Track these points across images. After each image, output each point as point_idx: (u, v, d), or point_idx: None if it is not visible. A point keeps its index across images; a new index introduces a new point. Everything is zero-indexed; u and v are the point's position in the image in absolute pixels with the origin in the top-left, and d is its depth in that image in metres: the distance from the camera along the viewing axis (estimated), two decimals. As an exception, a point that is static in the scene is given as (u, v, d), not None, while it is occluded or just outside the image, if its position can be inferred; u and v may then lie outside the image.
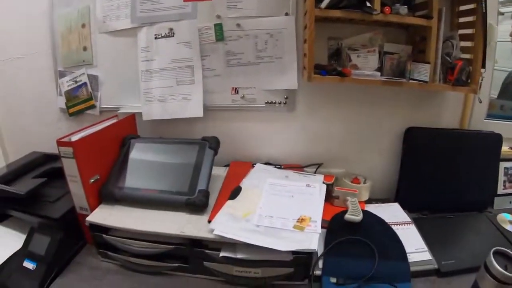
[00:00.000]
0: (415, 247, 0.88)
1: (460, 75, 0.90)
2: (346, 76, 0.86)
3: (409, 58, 0.95)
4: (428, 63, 0.88)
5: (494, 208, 1.21)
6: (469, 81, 0.93)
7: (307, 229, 0.77)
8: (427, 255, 0.87)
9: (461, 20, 0.98)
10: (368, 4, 0.85)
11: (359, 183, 0.96)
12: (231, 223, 0.77)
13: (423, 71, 0.88)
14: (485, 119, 1.20)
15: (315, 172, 0.99)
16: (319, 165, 1.01)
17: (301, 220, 0.79)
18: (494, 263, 0.69)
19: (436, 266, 0.85)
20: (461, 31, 0.97)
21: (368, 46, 0.93)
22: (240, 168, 0.98)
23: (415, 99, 1.05)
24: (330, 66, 0.88)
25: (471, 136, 1.14)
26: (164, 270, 0.81)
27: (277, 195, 0.87)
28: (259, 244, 0.71)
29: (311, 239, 0.74)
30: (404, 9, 0.87)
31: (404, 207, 1.02)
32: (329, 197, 0.92)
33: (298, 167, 1.00)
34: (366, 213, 0.88)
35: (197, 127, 1.02)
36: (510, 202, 1.26)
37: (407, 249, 0.86)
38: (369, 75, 0.86)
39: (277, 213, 0.81)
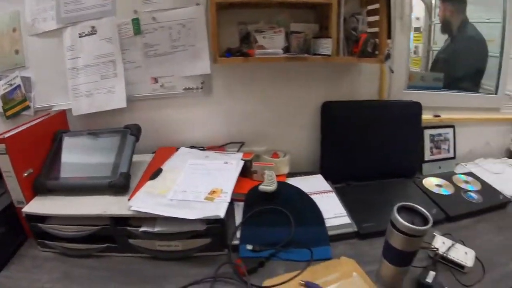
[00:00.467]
0: (335, 213, 1.01)
1: (365, 47, 1.05)
2: (250, 56, 1.01)
3: (316, 35, 1.10)
4: (330, 37, 1.03)
5: (423, 174, 1.35)
6: (376, 52, 1.08)
7: (217, 199, 0.91)
8: (346, 219, 0.99)
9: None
10: (267, -13, 1.00)
11: (278, 157, 1.11)
12: (148, 199, 0.91)
13: (325, 46, 1.03)
14: (404, 89, 1.35)
15: (237, 151, 1.15)
16: (241, 144, 1.16)
17: (212, 192, 0.94)
18: (398, 218, 0.77)
19: (355, 229, 0.98)
20: (370, 7, 1.13)
21: (276, 28, 1.08)
22: (165, 153, 1.12)
23: (332, 75, 1.20)
24: (235, 49, 1.04)
25: (390, 105, 1.29)
26: (96, 252, 0.93)
27: (195, 173, 1.02)
28: (169, 215, 0.85)
29: (220, 208, 0.87)
30: (303, -11, 1.02)
31: (328, 178, 1.16)
32: (249, 173, 1.07)
33: (220, 148, 1.15)
34: (282, 184, 1.03)
35: (123, 117, 1.16)
36: (440, 167, 1.40)
37: (326, 215, 0.98)
38: (271, 53, 1.01)
39: (191, 188, 0.95)
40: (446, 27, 1.87)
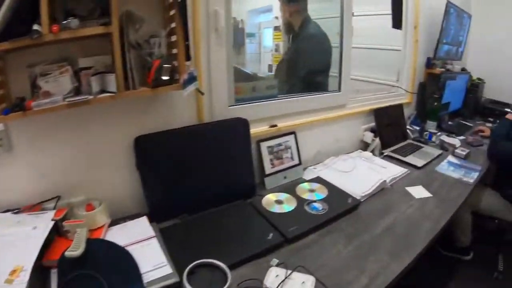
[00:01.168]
0: (154, 264, 1.01)
1: (158, 74, 1.00)
2: (28, 110, 0.97)
3: (107, 68, 1.05)
4: (113, 72, 0.98)
5: (266, 189, 1.33)
6: (177, 77, 1.03)
7: (15, 281, 0.92)
8: (167, 270, 0.99)
9: (172, 13, 1.05)
10: (35, 27, 0.95)
11: (92, 209, 1.11)
12: None
13: (111, 82, 0.98)
14: (230, 105, 1.31)
15: (54, 207, 1.15)
16: (57, 198, 1.16)
17: (12, 272, 0.95)
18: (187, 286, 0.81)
19: (177, 279, 0.98)
20: (172, 25, 1.06)
21: (63, 67, 1.03)
22: (-22, 224, 1.14)
23: (142, 107, 1.19)
24: (18, 100, 0.99)
25: (210, 127, 1.26)
26: None
27: (1, 248, 1.04)
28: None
29: (16, 292, 0.90)
30: (75, 22, 0.96)
31: (155, 217, 1.16)
32: (63, 232, 1.08)
33: (37, 207, 1.16)
34: (94, 242, 1.03)
35: None
36: (285, 177, 1.39)
37: (145, 269, 0.98)
38: (48, 103, 0.96)
39: (-8, 271, 0.98)
40: (288, 28, 2.02)
